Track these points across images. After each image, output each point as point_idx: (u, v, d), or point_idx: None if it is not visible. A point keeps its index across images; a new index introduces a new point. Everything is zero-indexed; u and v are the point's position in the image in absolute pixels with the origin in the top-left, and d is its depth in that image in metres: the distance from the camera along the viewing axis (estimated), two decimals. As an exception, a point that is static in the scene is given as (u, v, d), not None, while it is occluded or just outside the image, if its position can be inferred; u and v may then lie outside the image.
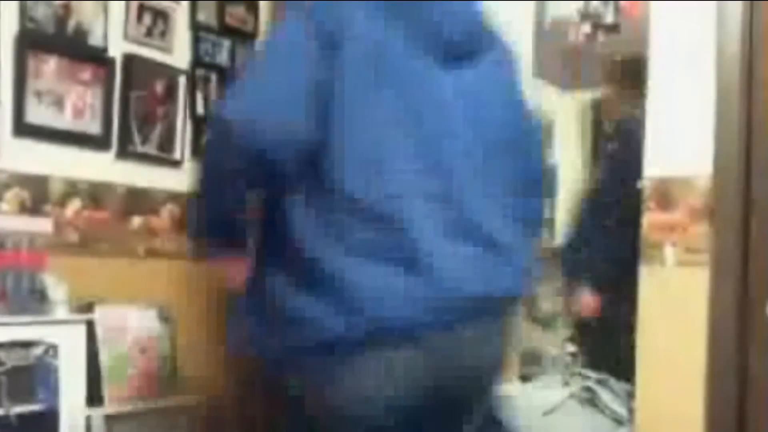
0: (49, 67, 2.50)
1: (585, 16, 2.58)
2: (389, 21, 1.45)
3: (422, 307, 1.36)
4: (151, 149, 2.84)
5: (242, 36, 3.20)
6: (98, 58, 2.65)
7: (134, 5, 2.75)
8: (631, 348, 2.19)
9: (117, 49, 2.72)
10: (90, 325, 2.46)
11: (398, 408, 1.37)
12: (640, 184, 2.26)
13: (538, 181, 1.66)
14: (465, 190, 1.44)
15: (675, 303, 2.21)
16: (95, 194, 2.66)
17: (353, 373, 1.36)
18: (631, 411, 2.26)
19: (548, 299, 2.67)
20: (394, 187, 1.38)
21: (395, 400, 1.37)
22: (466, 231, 1.41)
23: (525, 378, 2.46)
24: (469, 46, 1.52)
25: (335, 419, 1.41)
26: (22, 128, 2.45)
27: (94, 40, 2.64)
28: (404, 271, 1.35)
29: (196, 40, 3.01)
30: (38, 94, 2.48)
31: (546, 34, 2.59)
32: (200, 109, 3.04)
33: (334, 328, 1.35)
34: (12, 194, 2.42)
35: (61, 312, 2.35)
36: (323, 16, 1.43)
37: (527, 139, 1.64)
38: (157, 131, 2.86)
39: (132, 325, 2.65)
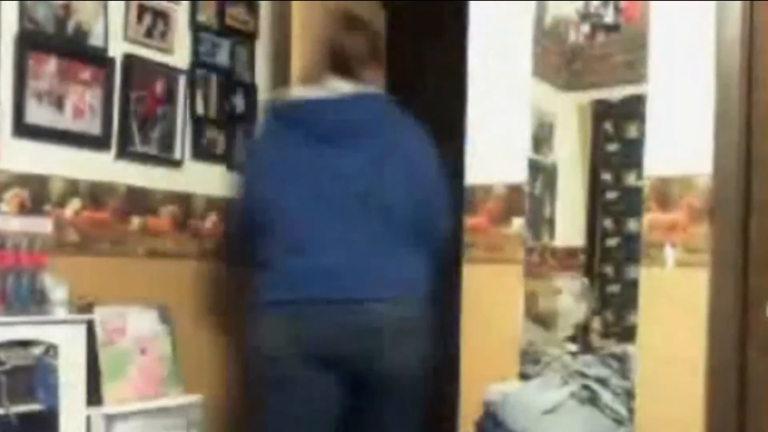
0: (49, 67, 2.50)
1: (585, 16, 2.58)
2: (281, 124, 2.31)
3: (285, 296, 2.18)
4: (151, 149, 2.84)
5: (242, 36, 3.20)
6: (98, 58, 2.65)
7: (134, 5, 2.76)
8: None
9: (117, 49, 2.72)
10: (90, 325, 2.46)
11: (286, 353, 2.16)
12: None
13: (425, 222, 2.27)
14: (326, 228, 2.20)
15: (675, 303, 2.21)
16: (95, 194, 2.66)
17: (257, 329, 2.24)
18: (631, 411, 2.26)
19: (548, 299, 2.66)
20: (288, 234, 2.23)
21: (280, 347, 2.17)
22: (319, 257, 2.17)
23: (524, 377, 2.46)
24: (347, 133, 2.23)
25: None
26: (22, 128, 2.45)
27: (94, 40, 2.64)
28: (280, 277, 2.22)
29: (196, 40, 3.01)
30: (38, 95, 2.48)
31: (546, 34, 2.58)
32: (200, 109, 3.04)
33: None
34: (12, 194, 2.42)
35: (61, 312, 2.36)
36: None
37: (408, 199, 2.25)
38: (157, 131, 2.86)
39: (132, 325, 2.65)
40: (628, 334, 2.41)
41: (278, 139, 2.31)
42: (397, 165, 2.25)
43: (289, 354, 2.16)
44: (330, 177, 2.22)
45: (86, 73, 2.61)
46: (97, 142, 2.67)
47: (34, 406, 2.29)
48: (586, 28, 2.58)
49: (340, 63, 2.34)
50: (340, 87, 2.30)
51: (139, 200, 2.80)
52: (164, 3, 2.86)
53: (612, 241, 2.68)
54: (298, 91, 2.40)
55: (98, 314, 2.54)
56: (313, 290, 2.15)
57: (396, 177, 2.24)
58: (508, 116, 2.53)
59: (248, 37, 3.23)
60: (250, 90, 3.25)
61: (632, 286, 2.36)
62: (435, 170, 2.33)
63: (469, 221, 2.57)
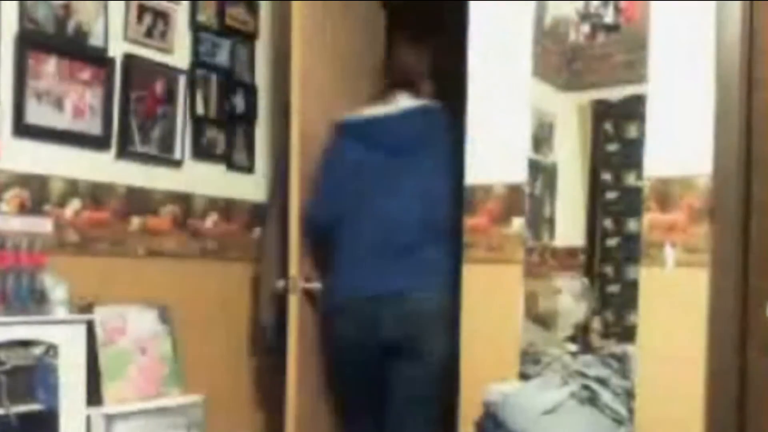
0: (49, 67, 2.51)
1: (585, 16, 2.58)
2: (353, 136, 2.59)
3: (344, 296, 2.58)
4: (151, 149, 2.84)
5: (242, 36, 3.20)
6: (98, 58, 2.66)
7: (134, 5, 2.76)
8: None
9: (117, 49, 2.72)
10: (90, 325, 2.46)
11: (356, 340, 2.56)
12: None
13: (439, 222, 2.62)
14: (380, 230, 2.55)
15: (675, 303, 2.20)
16: (95, 194, 2.66)
17: (332, 322, 2.64)
18: (631, 411, 2.26)
19: (548, 299, 2.66)
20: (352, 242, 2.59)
21: (350, 337, 2.57)
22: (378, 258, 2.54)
23: (524, 377, 2.45)
24: (409, 144, 2.56)
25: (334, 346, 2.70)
26: (22, 128, 2.45)
27: (94, 40, 2.65)
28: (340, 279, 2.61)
29: (196, 40, 3.02)
30: (38, 94, 2.48)
31: (546, 34, 2.58)
32: (200, 109, 3.04)
33: (325, 303, 2.71)
34: (12, 194, 2.43)
35: (61, 312, 2.36)
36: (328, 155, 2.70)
37: (436, 197, 2.61)
38: (157, 131, 2.87)
39: (132, 325, 2.65)
40: (628, 334, 2.41)
41: (347, 154, 2.58)
42: (447, 174, 2.55)
43: (356, 345, 2.54)
44: (389, 189, 2.54)
45: (86, 73, 2.61)
46: (97, 142, 2.67)
47: (34, 406, 2.29)
48: (586, 28, 2.58)
49: (402, 78, 2.62)
50: (403, 102, 2.58)
51: (139, 200, 2.80)
52: (164, 3, 2.87)
53: (612, 241, 2.68)
54: (367, 109, 2.65)
55: (98, 314, 2.54)
56: (367, 290, 2.52)
57: (442, 186, 2.56)
58: (508, 116, 2.53)
59: (248, 37, 3.23)
60: (250, 90, 3.25)
61: (632, 286, 2.36)
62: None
63: (469, 221, 2.57)
